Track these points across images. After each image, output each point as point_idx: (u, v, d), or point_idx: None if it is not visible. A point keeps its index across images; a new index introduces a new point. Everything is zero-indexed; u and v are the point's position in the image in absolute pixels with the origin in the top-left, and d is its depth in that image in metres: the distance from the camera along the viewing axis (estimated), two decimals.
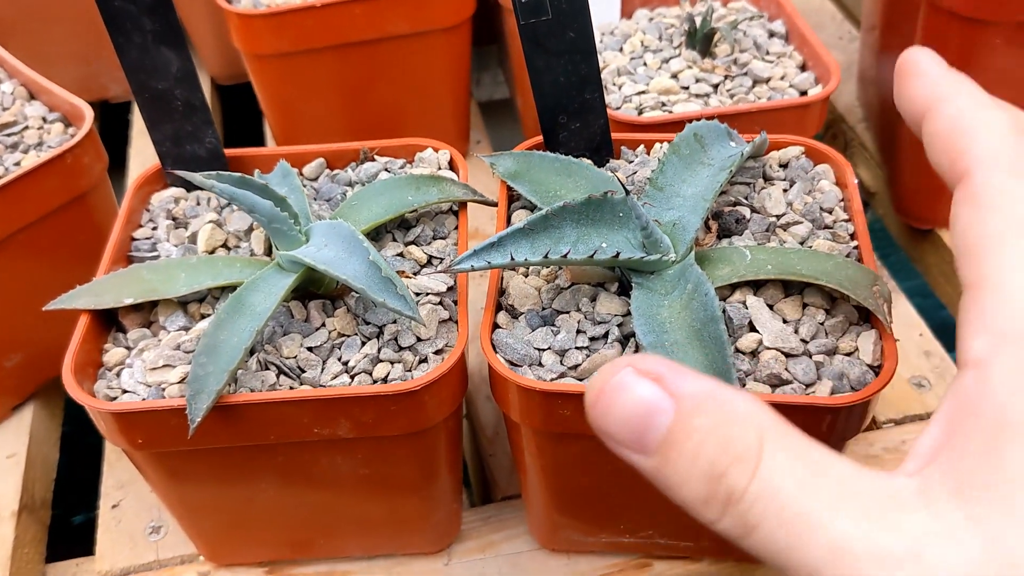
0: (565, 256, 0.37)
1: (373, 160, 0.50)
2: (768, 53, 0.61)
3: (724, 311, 0.39)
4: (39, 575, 0.55)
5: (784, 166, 0.47)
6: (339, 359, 0.41)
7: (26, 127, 0.57)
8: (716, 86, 0.58)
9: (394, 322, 0.42)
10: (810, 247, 0.43)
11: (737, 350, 0.39)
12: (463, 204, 0.47)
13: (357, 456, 0.42)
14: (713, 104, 0.57)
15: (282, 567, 0.50)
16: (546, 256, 0.37)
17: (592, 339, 0.40)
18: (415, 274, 0.44)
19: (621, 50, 0.62)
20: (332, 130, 0.71)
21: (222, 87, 0.91)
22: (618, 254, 0.37)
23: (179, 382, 0.40)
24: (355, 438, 0.40)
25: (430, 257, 0.45)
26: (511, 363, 0.40)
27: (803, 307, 0.40)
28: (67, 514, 0.64)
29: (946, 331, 0.67)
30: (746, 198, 0.45)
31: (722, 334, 0.36)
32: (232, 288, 0.43)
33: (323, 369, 0.40)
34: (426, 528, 0.49)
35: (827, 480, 0.22)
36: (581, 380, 0.39)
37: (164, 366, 0.41)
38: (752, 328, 0.39)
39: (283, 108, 0.70)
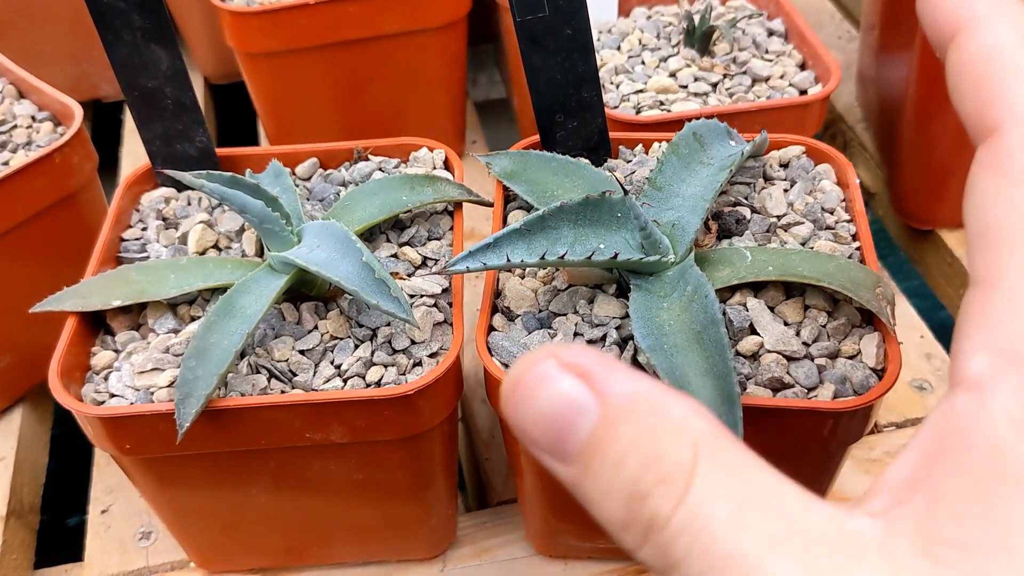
0: (562, 257, 0.37)
1: (367, 160, 0.49)
2: (767, 52, 0.60)
3: (724, 313, 0.39)
4: None
5: (785, 166, 0.47)
6: (332, 362, 0.40)
7: (15, 126, 0.56)
8: (715, 85, 0.57)
9: (388, 325, 0.41)
10: (811, 248, 0.42)
11: (738, 353, 0.38)
12: (458, 204, 0.46)
13: (350, 461, 0.41)
14: (712, 103, 0.56)
15: (275, 574, 0.49)
16: (543, 257, 0.37)
17: (590, 342, 0.39)
18: (409, 276, 0.44)
19: (619, 48, 0.61)
20: (326, 129, 0.70)
21: (216, 86, 0.90)
22: (616, 255, 0.37)
23: (168, 386, 0.39)
24: (348, 443, 0.40)
25: (425, 258, 0.44)
26: (507, 366, 0.39)
27: (805, 309, 0.39)
28: (59, 517, 0.63)
29: (946, 332, 0.66)
30: (746, 198, 0.44)
31: (722, 337, 0.35)
32: (223, 290, 0.42)
33: (315, 372, 0.40)
34: (421, 534, 0.48)
35: (769, 513, 0.18)
36: None
37: (153, 369, 0.40)
38: (753, 331, 0.39)
39: (277, 107, 0.69)
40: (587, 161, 0.46)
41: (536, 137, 0.47)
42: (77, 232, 0.55)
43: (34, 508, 0.58)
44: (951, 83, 0.21)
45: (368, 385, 0.39)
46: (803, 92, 0.57)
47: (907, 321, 0.61)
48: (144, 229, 0.47)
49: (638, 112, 0.56)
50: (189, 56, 0.86)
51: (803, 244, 0.42)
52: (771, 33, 0.62)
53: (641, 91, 0.57)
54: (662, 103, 0.56)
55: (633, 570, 0.48)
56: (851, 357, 0.38)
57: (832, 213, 0.44)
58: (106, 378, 0.41)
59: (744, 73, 0.58)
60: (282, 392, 0.39)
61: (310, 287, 0.42)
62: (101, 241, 0.45)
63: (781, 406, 0.36)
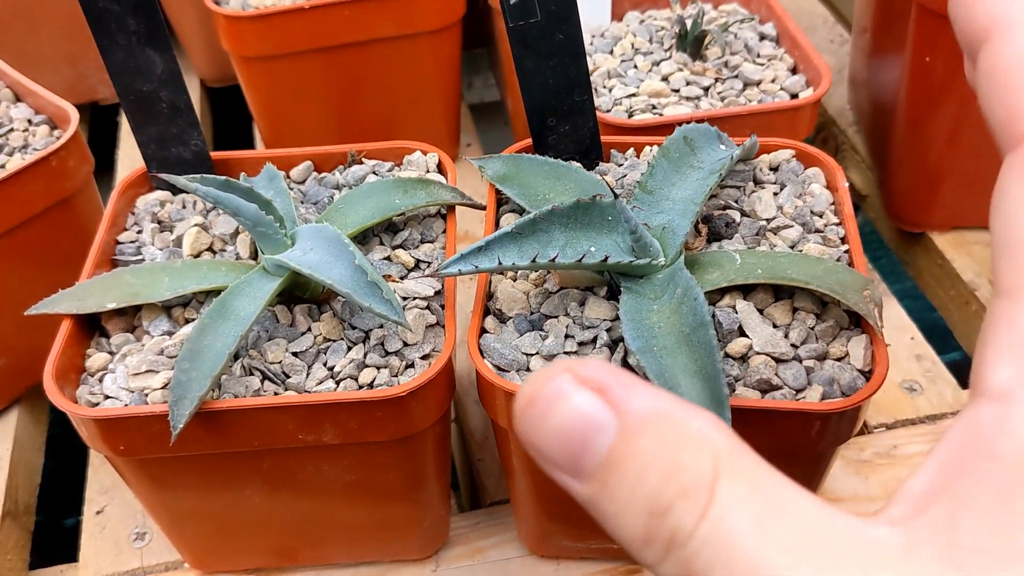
0: (553, 260, 0.37)
1: (361, 163, 0.50)
2: (759, 56, 0.60)
3: (714, 316, 0.39)
4: None
5: (775, 169, 0.47)
6: (324, 364, 0.40)
7: (11, 129, 0.56)
8: (707, 89, 0.58)
9: (380, 327, 0.41)
10: (800, 251, 0.42)
11: (727, 355, 0.39)
12: (451, 207, 0.47)
13: (343, 462, 0.42)
14: (704, 107, 0.56)
15: (268, 574, 0.49)
16: (534, 260, 0.37)
17: (581, 344, 0.40)
18: (402, 278, 0.44)
19: (612, 52, 0.62)
20: (322, 132, 0.70)
21: (212, 88, 0.90)
22: (607, 258, 0.37)
23: (162, 388, 0.39)
24: (341, 444, 0.40)
25: (417, 261, 0.45)
26: (499, 368, 0.39)
27: (793, 312, 0.40)
28: (55, 518, 0.63)
29: (937, 333, 0.67)
30: (736, 201, 0.45)
31: (711, 339, 0.36)
32: (217, 292, 0.42)
33: (308, 374, 0.40)
34: (414, 534, 0.48)
35: (790, 523, 0.18)
36: None
37: (147, 371, 0.40)
38: (742, 333, 0.39)
39: (272, 110, 0.70)
40: (579, 165, 0.47)
41: (528, 140, 0.48)
42: (72, 235, 0.55)
43: (29, 509, 0.58)
44: (981, 88, 0.21)
45: (361, 387, 0.39)
46: (794, 96, 0.58)
47: (897, 322, 0.62)
48: (139, 232, 0.47)
49: (630, 116, 0.56)
50: (185, 59, 0.86)
51: (792, 247, 0.43)
52: (763, 37, 0.63)
53: (633, 95, 0.57)
54: (654, 107, 0.56)
55: (624, 570, 0.49)
56: (839, 359, 0.38)
57: (821, 216, 0.44)
58: (101, 380, 0.41)
59: (736, 77, 0.58)
60: (275, 394, 0.39)
61: (303, 289, 0.43)
62: (96, 244, 0.45)
63: (769, 407, 0.36)
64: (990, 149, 0.65)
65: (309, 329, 0.42)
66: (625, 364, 0.39)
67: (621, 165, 0.48)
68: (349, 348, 0.41)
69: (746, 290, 0.40)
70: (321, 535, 0.47)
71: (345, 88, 0.68)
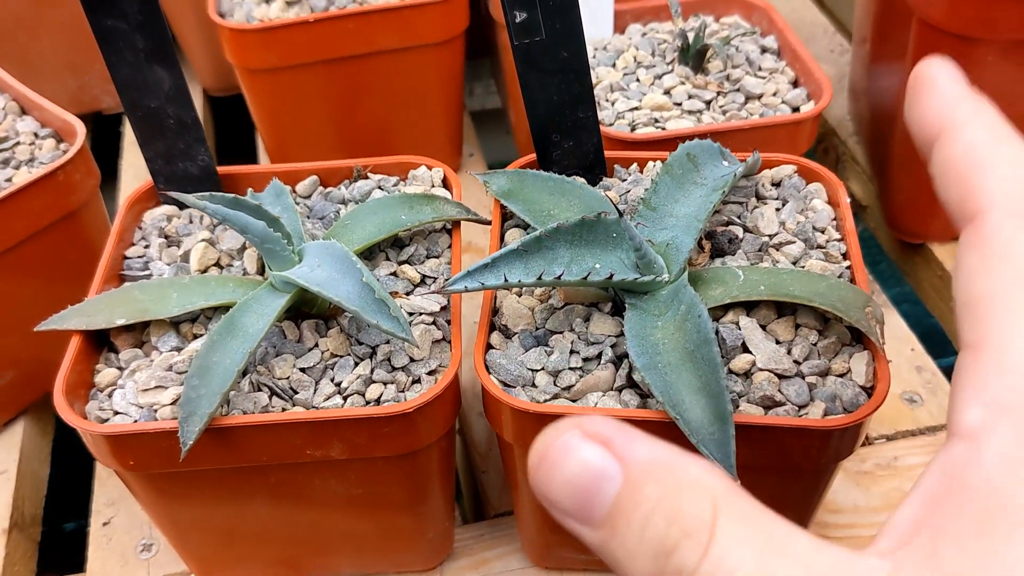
0: (559, 278, 0.37)
1: (366, 178, 0.50)
2: (760, 69, 0.61)
3: (717, 332, 0.39)
4: None
5: (777, 185, 0.47)
6: (332, 380, 0.41)
7: (17, 143, 0.57)
8: (709, 102, 0.58)
9: (387, 342, 0.41)
10: (803, 267, 0.43)
11: (730, 371, 0.39)
12: (456, 222, 0.47)
13: (349, 477, 0.42)
14: (706, 120, 0.57)
15: None
16: (540, 278, 0.37)
17: (586, 360, 0.40)
18: (408, 294, 0.44)
19: (614, 66, 0.62)
20: (325, 143, 0.71)
21: (213, 97, 0.90)
22: (612, 276, 0.38)
23: (171, 403, 0.40)
24: (348, 459, 0.40)
25: (423, 276, 0.45)
26: (504, 384, 0.40)
27: (796, 328, 0.40)
28: (55, 523, 0.63)
29: (934, 338, 0.67)
30: (739, 217, 0.45)
31: (715, 356, 0.36)
32: (224, 308, 0.43)
33: (316, 390, 0.40)
34: (418, 546, 0.49)
35: (787, 558, 0.19)
36: (575, 401, 0.39)
37: (156, 387, 0.40)
38: (745, 349, 0.39)
39: (275, 121, 0.70)
40: (583, 180, 0.47)
41: (533, 156, 0.48)
42: (79, 248, 0.56)
43: (36, 520, 0.59)
44: (937, 178, 0.24)
45: (368, 402, 0.40)
46: (795, 109, 0.58)
47: (897, 333, 0.62)
48: (147, 247, 0.48)
49: (633, 129, 0.56)
50: (188, 69, 0.86)
51: (794, 263, 0.43)
52: (764, 50, 0.63)
53: (636, 108, 0.58)
54: (657, 120, 0.57)
55: None
56: (841, 375, 0.39)
57: (823, 232, 0.45)
58: (110, 395, 0.41)
59: (737, 90, 0.59)
60: (283, 410, 0.40)
61: (310, 305, 0.43)
62: (104, 259, 0.46)
63: (773, 424, 0.36)
64: None
65: (316, 345, 0.42)
66: (630, 380, 0.39)
67: (625, 180, 0.48)
68: (356, 364, 0.41)
69: (749, 306, 0.41)
70: (326, 547, 0.48)
71: (349, 99, 0.68)
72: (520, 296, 0.43)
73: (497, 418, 0.40)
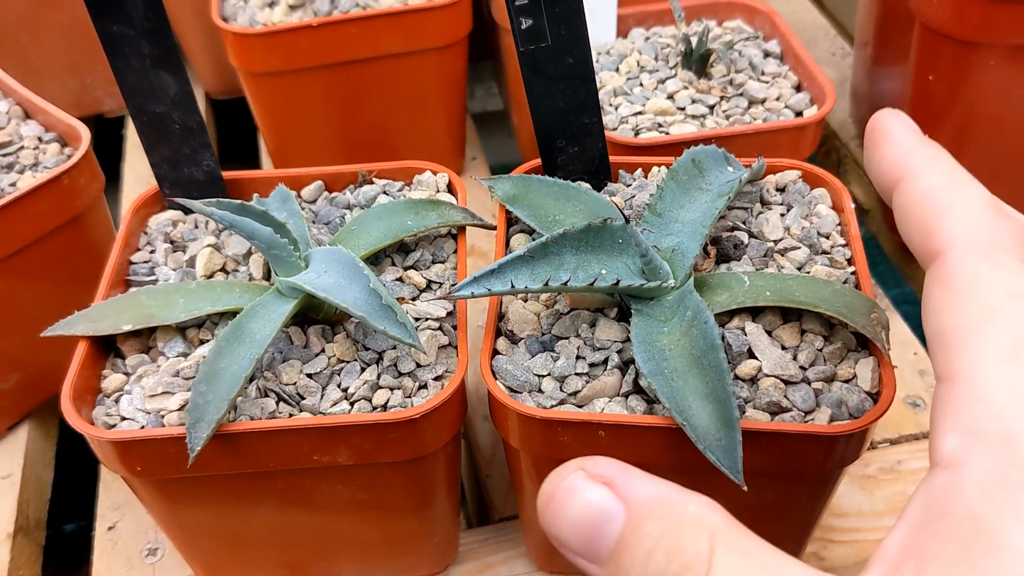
0: (565, 284, 0.37)
1: (372, 183, 0.50)
2: (763, 73, 0.61)
3: (723, 337, 0.40)
4: None
5: (781, 190, 0.48)
6: (339, 385, 0.41)
7: (22, 147, 0.57)
8: (712, 107, 0.58)
9: (394, 348, 0.42)
10: (808, 273, 0.43)
11: (736, 377, 0.39)
12: (462, 228, 0.47)
13: (356, 482, 0.42)
14: (709, 125, 0.57)
15: None
16: (546, 284, 0.37)
17: (592, 365, 0.40)
18: (414, 299, 0.44)
19: (617, 70, 0.62)
20: (328, 147, 0.71)
21: (215, 100, 0.90)
22: (618, 282, 0.38)
23: (178, 409, 0.40)
24: (354, 465, 0.40)
25: (429, 282, 0.45)
26: (511, 390, 0.40)
27: (801, 334, 0.40)
28: (56, 524, 0.64)
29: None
30: (744, 223, 0.45)
31: (722, 362, 0.36)
32: (231, 314, 0.43)
33: (323, 396, 0.40)
34: (424, 551, 0.49)
35: None
36: (581, 407, 0.39)
37: (163, 393, 0.40)
38: (751, 355, 0.39)
39: (279, 125, 0.70)
40: (588, 186, 0.47)
41: (537, 161, 0.48)
42: (83, 252, 0.56)
43: (40, 524, 0.59)
44: (899, 222, 0.26)
45: (375, 408, 0.40)
46: (798, 114, 0.58)
47: (900, 338, 0.62)
48: (152, 252, 0.48)
49: (637, 134, 0.57)
50: (190, 72, 0.86)
51: (799, 269, 0.43)
52: (767, 54, 0.63)
53: (640, 113, 0.58)
54: (660, 125, 0.57)
55: None
56: (847, 381, 0.39)
57: (828, 238, 0.45)
58: (117, 401, 0.41)
59: (741, 95, 0.59)
60: (290, 415, 0.40)
61: (317, 311, 0.43)
62: (110, 265, 0.46)
63: (779, 430, 0.37)
64: (991, 166, 0.66)
65: (323, 350, 0.42)
66: (636, 386, 0.39)
67: (629, 186, 0.48)
68: (363, 369, 0.41)
69: (755, 312, 0.41)
70: (332, 551, 0.48)
71: (352, 103, 0.68)
72: (526, 302, 0.43)
73: (503, 423, 0.40)
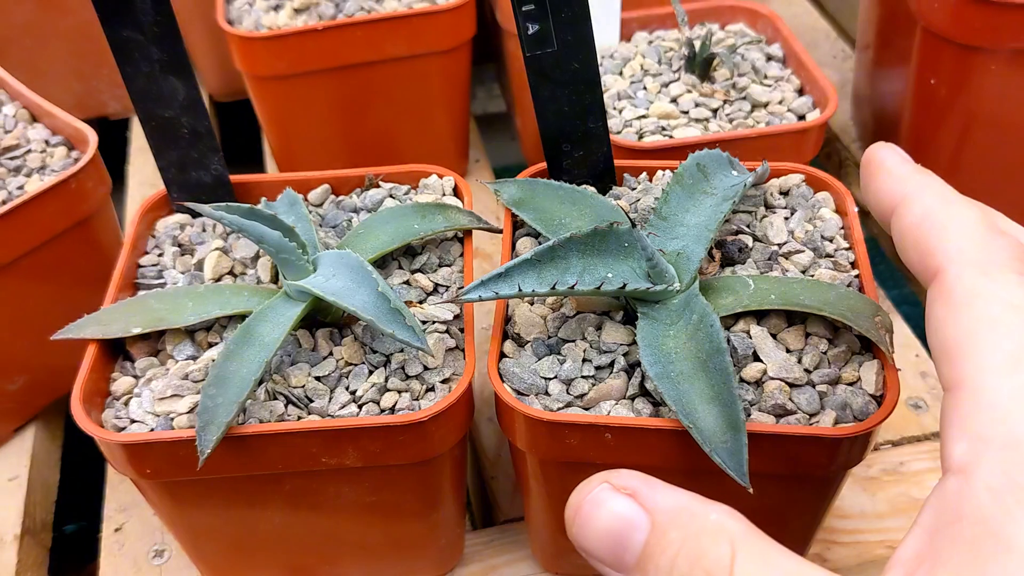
0: (572, 287, 0.38)
1: (378, 187, 0.51)
2: (766, 77, 0.61)
3: (729, 341, 0.40)
4: None
5: (785, 194, 0.48)
6: (347, 388, 0.41)
7: (29, 151, 0.57)
8: (715, 110, 0.59)
9: (401, 351, 0.42)
10: (812, 276, 0.43)
11: (741, 379, 0.39)
12: (468, 231, 0.48)
13: (363, 484, 0.42)
14: (712, 129, 0.57)
15: None
16: (553, 287, 0.38)
17: (598, 368, 0.40)
18: (421, 302, 0.45)
19: (621, 74, 0.62)
20: (333, 150, 0.71)
21: (219, 102, 0.91)
22: (624, 285, 0.38)
23: (188, 412, 0.40)
24: (362, 467, 0.41)
25: (436, 285, 0.45)
26: (518, 392, 0.40)
27: (806, 337, 0.41)
28: (58, 524, 0.64)
29: None
30: (748, 226, 0.46)
31: (728, 365, 0.36)
32: (239, 317, 0.43)
33: (331, 398, 0.41)
34: (430, 552, 0.49)
35: None
36: (588, 409, 0.39)
37: (173, 396, 0.41)
38: (756, 358, 0.40)
39: (284, 128, 0.71)
40: (593, 189, 0.47)
41: (543, 165, 0.48)
42: (90, 255, 0.56)
43: (46, 526, 0.59)
44: (898, 245, 0.28)
45: (383, 411, 0.40)
46: (801, 117, 0.59)
47: (902, 340, 0.63)
48: (160, 255, 0.48)
49: (640, 137, 0.57)
50: (195, 74, 0.86)
51: (804, 272, 0.43)
52: (769, 58, 0.63)
53: (644, 116, 0.58)
54: (664, 129, 0.57)
55: None
56: (851, 384, 0.39)
57: (831, 241, 0.45)
58: (126, 404, 0.42)
59: (744, 99, 0.59)
60: (299, 418, 0.40)
61: (325, 314, 0.43)
62: (119, 268, 0.46)
63: (784, 433, 0.37)
64: (992, 170, 0.66)
65: (331, 353, 0.42)
66: (642, 388, 0.40)
67: (634, 189, 0.48)
68: (371, 372, 0.42)
69: (759, 315, 0.41)
70: (338, 553, 0.48)
71: (356, 106, 0.69)
72: (532, 305, 0.43)
73: (510, 426, 0.41)
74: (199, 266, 0.47)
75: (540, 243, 0.46)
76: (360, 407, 0.40)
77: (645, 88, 0.61)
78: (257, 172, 0.53)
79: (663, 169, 0.49)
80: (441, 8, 0.64)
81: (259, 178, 0.51)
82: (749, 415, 0.38)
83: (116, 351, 0.44)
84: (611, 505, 0.24)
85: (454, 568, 0.51)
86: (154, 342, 0.44)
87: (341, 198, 0.50)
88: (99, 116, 0.87)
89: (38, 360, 0.57)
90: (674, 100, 0.59)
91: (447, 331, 0.43)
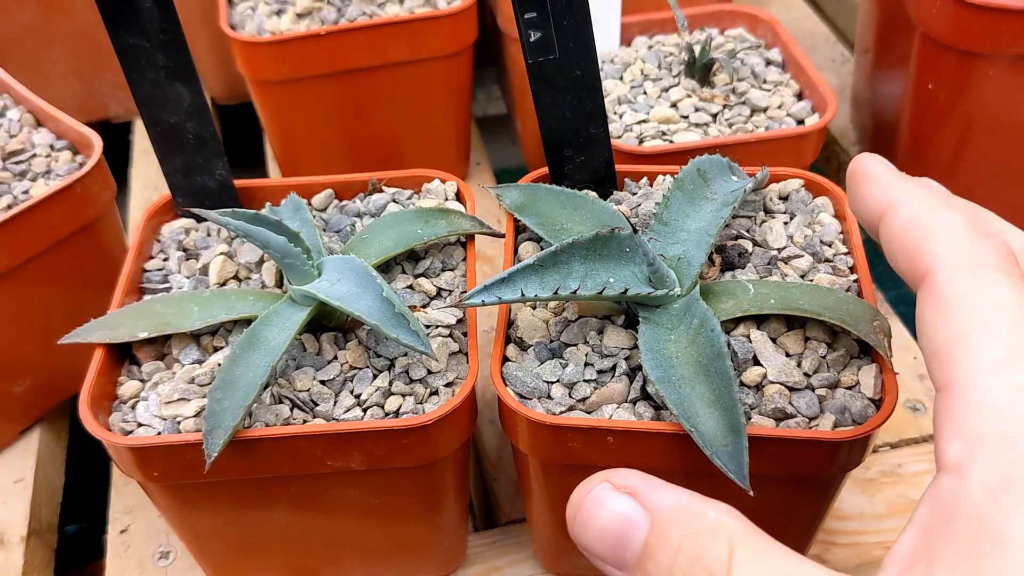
0: (575, 292, 0.38)
1: (381, 191, 0.51)
2: (766, 82, 0.62)
3: (729, 345, 0.40)
4: None
5: (784, 198, 0.48)
6: (351, 392, 0.42)
7: (34, 155, 0.57)
8: (715, 115, 0.59)
9: (405, 355, 0.42)
10: (811, 280, 0.44)
11: (742, 383, 0.40)
12: (470, 235, 0.48)
13: (367, 487, 0.43)
14: (712, 133, 0.58)
15: None
16: (556, 292, 0.38)
17: (600, 372, 0.41)
18: (424, 307, 0.45)
19: (621, 79, 0.63)
20: (335, 154, 0.72)
21: (221, 105, 0.91)
22: (626, 290, 0.38)
23: (194, 415, 0.41)
24: (367, 470, 0.41)
25: (439, 289, 0.46)
26: (521, 396, 0.40)
27: (805, 341, 0.41)
28: (60, 524, 0.64)
29: None
30: (748, 231, 0.46)
31: (728, 370, 0.37)
32: (245, 321, 0.43)
33: (336, 402, 0.41)
34: (432, 554, 0.50)
35: None
36: (590, 413, 0.40)
37: (179, 399, 0.41)
38: (756, 362, 0.40)
39: (286, 132, 0.71)
40: (594, 194, 0.48)
41: (544, 169, 0.49)
42: (95, 259, 0.57)
43: (52, 527, 0.59)
44: (887, 251, 0.28)
45: (387, 414, 0.41)
46: (800, 122, 0.59)
47: (900, 343, 0.63)
48: (166, 260, 0.49)
49: (641, 142, 0.57)
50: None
51: (803, 277, 0.44)
52: (769, 63, 0.64)
53: (644, 121, 0.59)
54: (664, 133, 0.58)
55: None
56: (850, 387, 0.40)
57: (831, 246, 0.46)
58: (133, 407, 0.42)
59: (743, 103, 0.60)
60: (304, 422, 0.40)
61: (329, 318, 0.44)
62: (125, 272, 0.47)
63: (784, 436, 0.37)
64: (991, 174, 0.67)
65: (336, 357, 0.43)
66: (644, 392, 0.40)
67: (635, 194, 0.49)
68: (375, 376, 0.42)
69: (759, 320, 0.42)
70: (342, 555, 0.49)
71: (358, 110, 0.69)
72: (535, 309, 0.44)
73: (513, 429, 0.41)
74: (204, 271, 0.47)
75: (542, 247, 0.46)
76: (365, 411, 0.41)
77: (645, 93, 0.61)
78: (259, 174, 0.54)
79: (663, 174, 0.50)
80: (443, 13, 0.64)
81: (263, 183, 0.51)
82: (749, 419, 0.39)
83: (123, 355, 0.44)
84: (611, 504, 0.24)
85: (457, 569, 0.52)
86: (160, 346, 0.44)
87: (345, 203, 0.51)
88: (101, 119, 0.88)
89: (43, 363, 0.57)
90: (674, 105, 0.60)
91: (450, 335, 0.44)
